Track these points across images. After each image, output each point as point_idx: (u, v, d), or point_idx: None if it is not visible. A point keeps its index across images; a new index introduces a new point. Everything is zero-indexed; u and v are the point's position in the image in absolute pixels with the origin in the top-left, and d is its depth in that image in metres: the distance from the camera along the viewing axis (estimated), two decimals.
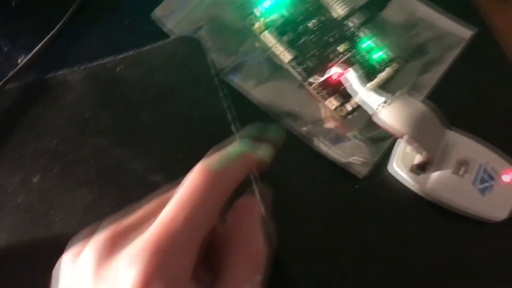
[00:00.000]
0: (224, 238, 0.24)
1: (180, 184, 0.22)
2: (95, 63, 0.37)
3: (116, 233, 0.22)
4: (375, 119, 0.33)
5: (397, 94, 0.33)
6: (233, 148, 0.25)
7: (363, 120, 0.37)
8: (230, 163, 0.24)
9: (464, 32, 0.40)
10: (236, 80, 0.38)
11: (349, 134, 0.37)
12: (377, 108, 0.33)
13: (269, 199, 0.27)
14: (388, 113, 0.33)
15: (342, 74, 0.36)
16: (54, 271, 0.24)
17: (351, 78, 0.35)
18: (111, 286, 0.21)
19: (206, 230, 0.22)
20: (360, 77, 0.35)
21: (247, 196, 0.26)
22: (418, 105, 0.33)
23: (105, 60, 0.37)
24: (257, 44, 0.39)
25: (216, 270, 0.23)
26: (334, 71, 0.36)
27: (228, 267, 0.23)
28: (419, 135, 0.33)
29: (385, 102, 0.33)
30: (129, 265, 0.20)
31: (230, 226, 0.24)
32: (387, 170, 0.36)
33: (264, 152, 0.26)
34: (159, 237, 0.21)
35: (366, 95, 0.34)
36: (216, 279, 0.22)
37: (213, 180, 0.22)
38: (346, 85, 0.35)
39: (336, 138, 0.37)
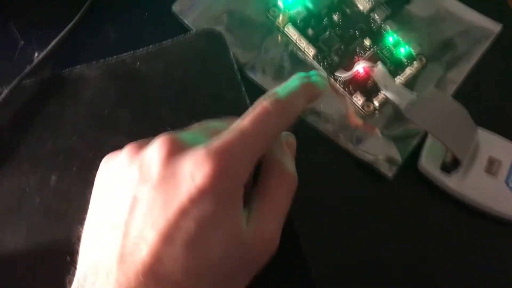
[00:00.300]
0: (265, 160, 0.27)
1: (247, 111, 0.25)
2: (113, 58, 0.35)
3: (184, 134, 0.25)
4: (406, 115, 0.32)
5: (428, 89, 0.32)
6: (291, 79, 0.28)
7: (391, 116, 0.36)
8: (292, 89, 0.27)
9: (493, 25, 0.39)
10: (259, 75, 0.36)
11: (376, 131, 0.36)
12: (408, 104, 0.32)
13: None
14: (419, 109, 0.32)
15: (370, 69, 0.34)
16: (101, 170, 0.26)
17: (380, 73, 0.33)
18: (180, 181, 0.22)
19: (268, 146, 0.25)
20: (389, 72, 0.34)
21: (287, 133, 0.30)
22: (450, 101, 0.32)
23: (124, 55, 0.36)
24: (280, 38, 0.38)
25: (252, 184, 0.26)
26: (361, 66, 0.35)
27: (267, 182, 0.26)
28: (452, 132, 0.32)
29: (416, 97, 0.32)
30: (201, 162, 0.22)
31: (272, 151, 0.27)
32: (417, 168, 0.35)
33: (317, 78, 0.29)
34: (233, 142, 0.23)
35: (396, 91, 0.33)
36: (255, 191, 0.26)
37: (280, 103, 0.25)
38: (375, 79, 0.34)
39: (363, 135, 0.35)
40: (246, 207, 0.25)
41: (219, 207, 0.22)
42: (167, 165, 0.23)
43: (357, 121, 0.36)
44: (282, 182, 0.27)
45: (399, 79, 0.36)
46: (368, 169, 0.35)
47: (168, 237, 0.22)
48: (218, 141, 0.23)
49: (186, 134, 0.25)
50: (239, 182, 0.24)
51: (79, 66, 0.35)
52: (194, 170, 0.22)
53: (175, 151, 0.23)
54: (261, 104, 0.26)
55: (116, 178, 0.25)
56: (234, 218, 0.23)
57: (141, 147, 0.25)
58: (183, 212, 0.22)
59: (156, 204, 0.22)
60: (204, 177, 0.22)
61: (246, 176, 0.24)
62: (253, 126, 0.25)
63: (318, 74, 0.31)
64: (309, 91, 0.29)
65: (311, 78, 0.29)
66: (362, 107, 0.36)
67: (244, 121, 0.25)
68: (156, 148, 0.24)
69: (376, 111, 0.36)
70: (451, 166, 0.33)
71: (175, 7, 0.37)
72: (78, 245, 0.25)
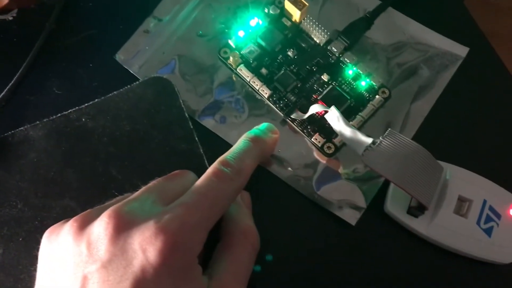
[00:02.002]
0: (223, 219, 0.27)
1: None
2: (58, 115, 0.34)
3: (131, 204, 0.24)
4: (364, 162, 0.30)
5: (386, 133, 0.30)
6: (239, 140, 0.29)
7: (353, 156, 0.33)
8: (242, 152, 0.28)
9: (460, 50, 0.36)
10: (212, 121, 0.35)
11: (340, 172, 0.34)
12: (365, 151, 0.30)
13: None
14: (377, 155, 0.30)
15: (323, 113, 0.32)
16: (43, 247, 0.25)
17: (333, 118, 0.31)
18: (131, 258, 0.22)
19: (223, 212, 0.26)
20: (350, 108, 0.32)
21: (242, 191, 0.29)
22: (411, 144, 0.30)
23: (69, 111, 0.34)
24: (234, 79, 0.36)
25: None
26: (315, 110, 0.32)
27: (228, 245, 0.26)
28: (414, 178, 0.30)
29: (373, 143, 0.30)
30: (152, 238, 0.22)
31: (229, 210, 0.27)
32: (383, 210, 0.33)
33: (266, 133, 0.30)
34: (184, 215, 0.23)
35: (351, 136, 0.31)
36: (215, 254, 0.26)
37: (232, 168, 0.26)
38: (330, 124, 0.32)
39: (325, 179, 0.33)
40: (206, 273, 0.25)
41: (175, 283, 0.22)
42: (115, 242, 0.22)
43: (321, 159, 0.34)
44: (244, 242, 0.27)
45: (360, 116, 0.34)
46: (331, 213, 0.33)
47: None
48: (169, 215, 0.23)
49: (133, 204, 0.24)
50: (193, 254, 0.23)
51: (22, 127, 0.33)
52: (146, 246, 0.22)
53: (123, 226, 0.23)
54: (213, 173, 0.26)
55: (62, 257, 0.24)
56: None
57: (85, 222, 0.24)
58: None
59: (108, 284, 0.22)
60: (157, 253, 0.22)
61: (201, 247, 0.24)
62: (205, 197, 0.25)
63: (268, 127, 0.31)
64: (259, 149, 0.29)
65: (259, 135, 0.30)
66: (322, 148, 0.34)
67: (196, 191, 0.25)
68: (103, 224, 0.23)
69: (338, 151, 0.34)
70: (417, 210, 0.31)
71: (119, 57, 0.35)
72: None
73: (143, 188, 0.26)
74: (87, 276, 0.22)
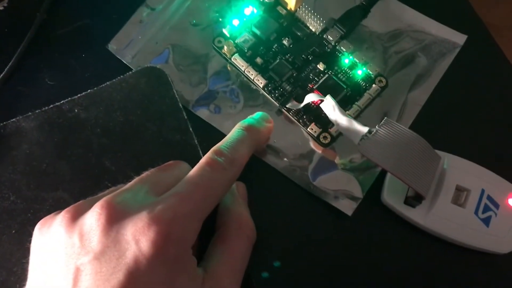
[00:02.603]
0: (218, 210, 0.27)
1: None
2: (50, 106, 0.33)
3: (123, 195, 0.24)
4: (360, 151, 0.30)
5: (382, 122, 0.29)
6: (233, 130, 0.29)
7: (350, 146, 0.33)
8: (235, 141, 0.27)
9: (458, 38, 0.36)
10: (207, 111, 0.34)
11: (336, 162, 0.33)
12: (361, 140, 0.29)
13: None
14: (373, 145, 0.29)
15: (319, 102, 0.32)
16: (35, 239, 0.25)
17: (329, 107, 0.31)
18: (124, 250, 0.21)
19: (217, 202, 0.25)
20: (347, 97, 0.32)
21: (237, 182, 0.29)
22: (408, 133, 0.29)
23: (62, 102, 0.33)
24: (229, 69, 0.35)
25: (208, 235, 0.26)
26: (310, 99, 0.32)
27: (225, 237, 0.26)
28: (411, 168, 0.29)
29: (369, 132, 0.29)
30: (145, 229, 0.22)
31: (224, 200, 0.28)
32: (380, 200, 0.32)
33: (260, 122, 0.30)
34: (178, 205, 0.23)
35: (347, 125, 0.30)
36: (211, 246, 0.26)
37: (225, 158, 0.26)
38: (326, 112, 0.32)
39: (321, 169, 0.33)
40: (202, 265, 0.25)
41: (168, 274, 0.22)
42: (108, 233, 0.22)
43: (317, 149, 0.33)
44: (239, 234, 0.27)
45: (357, 106, 0.33)
46: (327, 203, 0.32)
47: None
48: (162, 205, 0.23)
49: (126, 194, 0.24)
50: (187, 245, 0.23)
51: (14, 119, 0.33)
52: (139, 237, 0.22)
53: (115, 217, 0.23)
54: (206, 162, 0.25)
55: (54, 248, 0.24)
56: (185, 284, 0.22)
57: (77, 213, 0.24)
58: (131, 283, 0.21)
59: (101, 276, 0.22)
60: (150, 244, 0.21)
61: (194, 237, 0.23)
62: (198, 187, 0.24)
63: (262, 117, 0.31)
64: (253, 138, 0.29)
65: (253, 124, 0.29)
66: (318, 138, 0.33)
67: (189, 181, 0.24)
68: (95, 215, 0.23)
69: (335, 141, 0.33)
70: (414, 200, 0.31)
71: (111, 47, 0.35)
72: None
73: (136, 179, 0.26)
74: (80, 267, 0.22)
